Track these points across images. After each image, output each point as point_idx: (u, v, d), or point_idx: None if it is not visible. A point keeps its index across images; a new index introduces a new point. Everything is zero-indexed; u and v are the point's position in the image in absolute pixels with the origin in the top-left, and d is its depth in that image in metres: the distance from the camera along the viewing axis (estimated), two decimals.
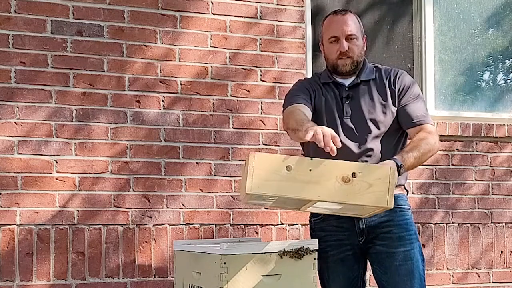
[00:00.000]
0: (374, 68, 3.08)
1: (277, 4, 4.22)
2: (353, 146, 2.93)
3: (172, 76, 3.99)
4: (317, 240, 3.02)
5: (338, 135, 2.82)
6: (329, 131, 2.59)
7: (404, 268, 2.94)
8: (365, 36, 3.07)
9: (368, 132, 2.94)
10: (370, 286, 3.32)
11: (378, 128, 2.95)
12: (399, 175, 2.71)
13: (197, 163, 4.01)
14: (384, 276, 2.99)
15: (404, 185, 3.05)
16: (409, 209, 3.03)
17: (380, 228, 2.96)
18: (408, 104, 2.98)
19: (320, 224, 3.09)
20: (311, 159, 2.61)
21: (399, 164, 2.72)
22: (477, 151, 4.65)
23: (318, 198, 2.58)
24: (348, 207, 2.74)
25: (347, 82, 3.03)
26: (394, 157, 2.77)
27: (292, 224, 4.16)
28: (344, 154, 2.75)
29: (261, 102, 4.15)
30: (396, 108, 2.99)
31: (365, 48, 3.06)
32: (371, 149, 2.92)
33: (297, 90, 3.08)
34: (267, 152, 4.05)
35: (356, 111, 2.97)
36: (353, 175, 2.57)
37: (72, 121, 3.80)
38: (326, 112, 3.01)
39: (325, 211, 2.86)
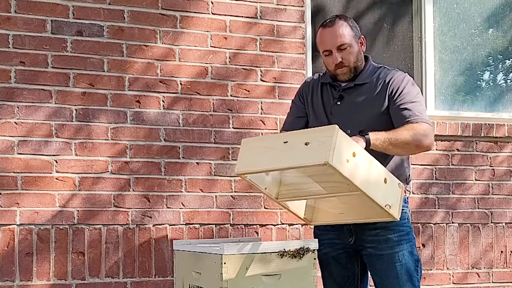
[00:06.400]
0: (377, 70, 3.07)
1: (277, 4, 4.22)
2: None
3: (172, 76, 3.99)
4: (317, 240, 3.05)
5: None
6: None
7: (393, 270, 2.98)
8: (362, 37, 3.07)
9: (352, 134, 2.93)
10: (370, 286, 3.32)
11: (361, 130, 2.94)
12: (367, 145, 2.75)
13: (197, 163, 4.01)
14: (375, 277, 3.07)
15: (405, 186, 3.05)
16: (403, 210, 3.02)
17: (368, 231, 3.00)
18: (400, 105, 2.96)
19: None
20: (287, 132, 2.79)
21: (367, 137, 2.77)
22: (477, 151, 4.65)
23: (289, 165, 2.63)
24: (354, 211, 2.75)
25: (344, 83, 3.06)
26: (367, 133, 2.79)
27: (292, 224, 4.16)
28: None
29: (261, 102, 4.15)
30: (387, 111, 2.98)
31: (363, 50, 3.07)
32: None
33: (292, 107, 3.21)
34: None
35: (342, 112, 3.02)
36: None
37: (72, 121, 3.80)
38: (318, 111, 3.08)
39: (333, 219, 2.92)
